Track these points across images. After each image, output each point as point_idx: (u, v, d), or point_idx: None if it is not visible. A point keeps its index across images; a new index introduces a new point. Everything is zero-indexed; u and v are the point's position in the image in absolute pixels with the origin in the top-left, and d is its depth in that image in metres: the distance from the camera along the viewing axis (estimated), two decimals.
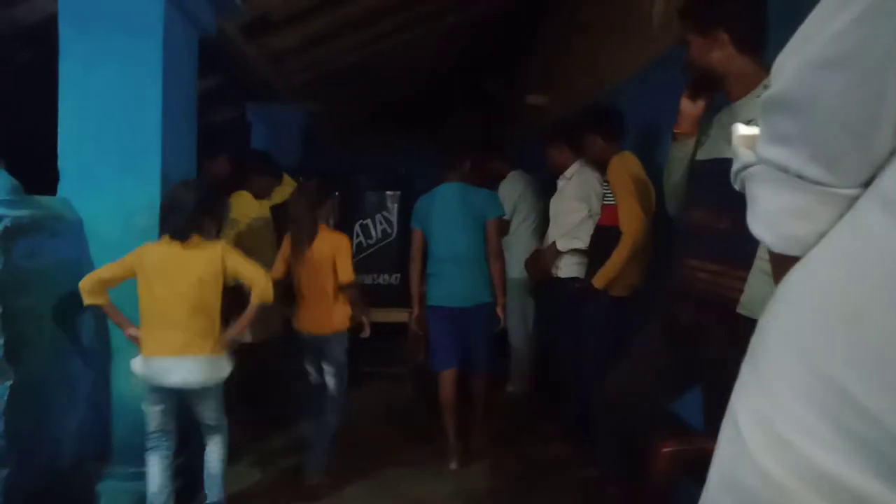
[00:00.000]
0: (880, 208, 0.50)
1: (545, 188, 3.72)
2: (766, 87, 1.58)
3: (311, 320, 2.69)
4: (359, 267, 3.64)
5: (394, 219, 4.33)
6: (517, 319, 3.89)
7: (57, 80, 2.37)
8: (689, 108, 1.75)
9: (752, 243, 1.45)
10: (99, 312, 2.38)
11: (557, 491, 2.76)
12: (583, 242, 3.03)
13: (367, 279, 3.94)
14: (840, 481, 0.48)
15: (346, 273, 2.67)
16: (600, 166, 2.92)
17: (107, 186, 2.39)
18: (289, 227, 2.73)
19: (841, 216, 0.55)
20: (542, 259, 3.25)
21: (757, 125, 1.51)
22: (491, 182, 3.81)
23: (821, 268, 0.56)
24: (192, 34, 2.70)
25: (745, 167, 0.63)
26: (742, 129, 0.66)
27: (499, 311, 3.06)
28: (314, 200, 2.69)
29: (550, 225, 3.33)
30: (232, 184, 3.33)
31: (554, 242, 3.15)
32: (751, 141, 0.63)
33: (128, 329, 2.19)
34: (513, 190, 3.91)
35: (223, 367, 2.22)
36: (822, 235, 0.56)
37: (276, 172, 3.51)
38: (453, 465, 2.97)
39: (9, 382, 1.92)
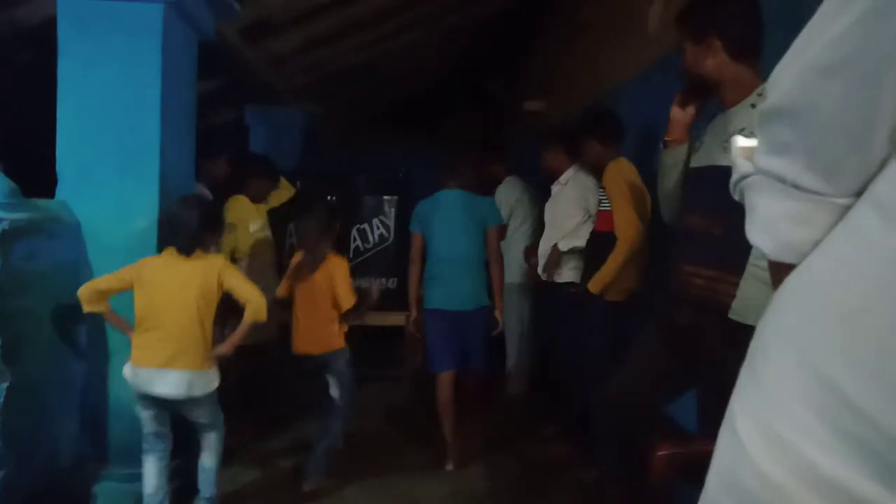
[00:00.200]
0: (874, 212, 0.51)
1: (541, 193, 3.73)
2: (760, 94, 1.60)
3: (311, 342, 2.73)
4: (356, 271, 3.66)
5: (391, 223, 4.32)
6: (514, 323, 3.90)
7: (56, 82, 2.37)
8: (679, 114, 1.76)
9: (747, 249, 1.47)
10: (96, 316, 2.38)
11: (556, 492, 2.77)
12: (582, 242, 3.05)
13: (364, 283, 3.94)
14: (838, 482, 0.49)
15: (348, 299, 2.70)
16: (597, 171, 2.93)
17: (106, 189, 2.40)
18: (299, 250, 2.78)
19: (836, 224, 0.56)
20: (548, 257, 3.24)
21: (751, 133, 1.55)
22: (487, 186, 3.82)
23: (817, 272, 0.57)
24: (192, 37, 2.71)
25: (744, 177, 0.65)
26: (741, 141, 0.68)
27: (497, 314, 3.10)
28: (325, 228, 2.75)
29: (546, 230, 3.34)
30: (229, 187, 3.34)
31: (556, 245, 3.16)
32: (749, 152, 0.65)
33: (128, 332, 2.22)
34: (509, 194, 3.92)
35: (210, 381, 2.23)
36: (818, 243, 0.58)
37: (273, 176, 3.51)
38: (449, 467, 2.99)
39: (6, 384, 1.93)
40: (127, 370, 2.17)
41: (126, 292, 2.19)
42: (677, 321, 1.70)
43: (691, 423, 1.88)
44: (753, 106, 1.52)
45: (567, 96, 4.49)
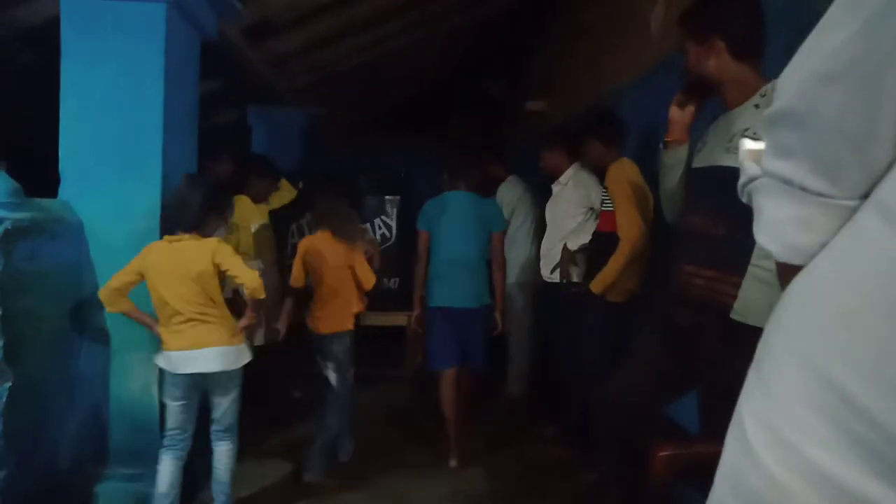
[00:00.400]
0: (877, 215, 0.52)
1: (541, 192, 3.73)
2: (763, 95, 1.60)
3: (324, 321, 2.83)
4: None
5: (393, 223, 4.33)
6: (516, 322, 3.90)
7: (58, 82, 2.38)
8: (679, 115, 1.76)
9: (748, 250, 1.47)
10: (98, 314, 2.39)
11: (556, 493, 2.77)
12: (588, 238, 3.07)
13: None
14: (841, 482, 0.49)
15: (369, 280, 2.88)
16: (599, 172, 2.93)
17: (108, 189, 2.40)
18: (336, 230, 2.84)
19: (842, 226, 0.57)
20: (561, 258, 3.25)
21: (754, 133, 1.54)
22: (488, 186, 3.82)
23: (821, 273, 0.58)
24: (194, 37, 2.72)
25: (751, 180, 0.66)
26: (748, 144, 0.69)
27: (497, 315, 3.15)
28: (343, 206, 2.91)
29: (548, 229, 3.34)
30: (231, 187, 3.34)
31: (565, 245, 3.16)
32: (757, 155, 0.66)
33: (154, 328, 2.24)
34: (511, 193, 3.93)
35: (242, 354, 2.27)
36: (824, 244, 0.58)
37: (273, 176, 3.52)
38: (453, 463, 3.02)
39: (8, 384, 1.93)
40: (160, 359, 2.20)
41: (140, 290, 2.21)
42: (677, 321, 1.69)
43: (692, 423, 1.87)
44: (756, 107, 1.51)
45: (568, 97, 4.48)
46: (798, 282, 0.61)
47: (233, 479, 2.38)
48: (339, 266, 2.82)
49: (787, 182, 0.60)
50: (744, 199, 0.70)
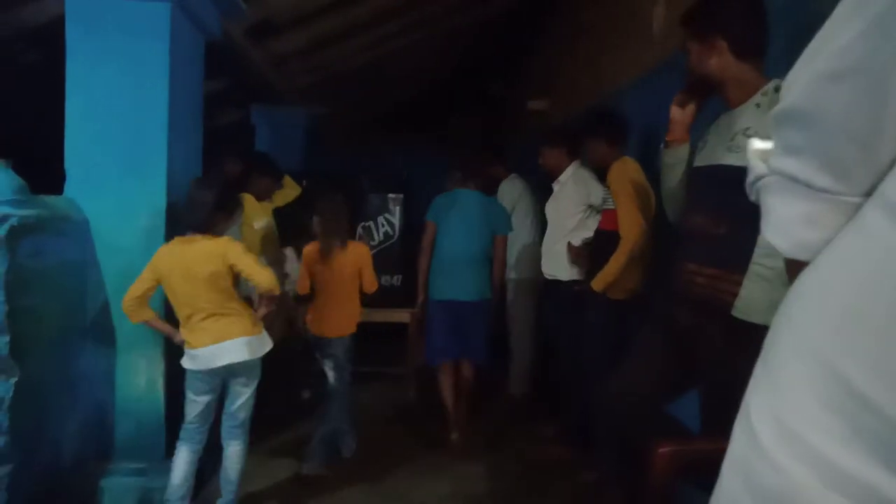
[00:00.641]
0: (881, 211, 0.53)
1: (541, 191, 3.75)
2: (764, 94, 1.61)
3: (328, 325, 2.88)
4: None
5: (396, 221, 4.34)
6: (517, 320, 3.91)
7: (64, 81, 2.39)
8: (679, 115, 1.77)
9: (749, 248, 1.47)
10: (102, 311, 2.41)
11: (556, 492, 2.77)
12: (591, 233, 3.10)
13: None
14: (848, 471, 0.50)
15: (372, 283, 2.94)
16: (602, 171, 2.94)
17: (113, 187, 2.41)
18: (320, 239, 2.89)
19: (847, 222, 0.58)
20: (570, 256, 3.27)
21: (755, 133, 1.54)
22: (488, 186, 3.84)
23: (826, 268, 0.59)
24: (198, 37, 2.73)
25: (759, 178, 0.67)
26: (756, 144, 0.71)
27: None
28: (346, 213, 2.94)
29: (549, 228, 3.35)
30: (236, 186, 3.35)
31: (569, 242, 3.18)
32: (764, 154, 0.68)
33: (175, 337, 2.27)
34: (512, 191, 3.95)
35: (265, 343, 2.31)
36: (830, 240, 0.60)
37: (276, 174, 3.53)
38: (454, 436, 3.19)
39: (14, 379, 1.94)
40: (186, 361, 2.22)
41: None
42: (679, 320, 1.70)
43: (693, 422, 1.88)
44: (758, 106, 1.52)
45: (569, 97, 4.49)
46: (804, 277, 0.62)
47: (241, 478, 2.39)
48: (342, 271, 2.86)
49: (794, 180, 0.61)
50: (752, 198, 0.71)
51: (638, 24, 3.14)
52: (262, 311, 2.35)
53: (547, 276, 3.32)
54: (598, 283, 2.64)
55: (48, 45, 2.83)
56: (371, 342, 3.53)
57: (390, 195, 4.34)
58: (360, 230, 4.26)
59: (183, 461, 2.25)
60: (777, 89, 1.50)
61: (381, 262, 4.20)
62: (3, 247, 1.88)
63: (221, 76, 3.98)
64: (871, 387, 0.50)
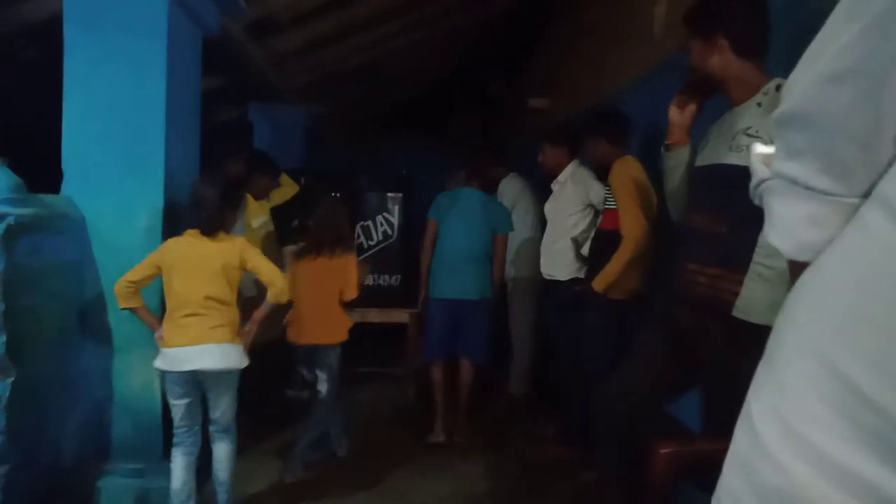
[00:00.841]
0: (880, 210, 0.54)
1: (540, 190, 3.75)
2: (765, 93, 1.60)
3: (312, 332, 2.82)
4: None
5: (395, 220, 4.33)
6: (518, 320, 3.90)
7: (61, 78, 2.38)
8: (678, 117, 1.77)
9: (750, 247, 1.47)
10: (100, 311, 2.40)
11: (556, 492, 2.77)
12: (590, 231, 3.12)
13: (368, 280, 3.95)
14: (848, 469, 0.51)
15: (352, 291, 2.84)
16: (603, 170, 2.93)
17: (110, 185, 2.40)
18: (311, 243, 2.87)
19: (847, 222, 0.59)
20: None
21: (756, 132, 1.55)
22: (488, 186, 3.84)
23: (828, 267, 0.59)
24: (197, 34, 2.72)
25: (762, 182, 0.68)
26: (759, 148, 0.72)
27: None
28: (343, 220, 2.92)
29: (548, 227, 3.35)
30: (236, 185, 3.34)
31: (572, 239, 3.17)
32: (767, 158, 0.69)
33: (157, 327, 2.24)
34: (512, 189, 3.95)
35: (240, 357, 2.26)
36: (831, 240, 0.60)
37: (274, 172, 3.52)
38: (441, 439, 3.21)
39: (10, 379, 1.93)
40: (159, 361, 2.20)
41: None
42: (680, 320, 1.69)
43: (693, 422, 1.87)
44: (759, 105, 1.52)
45: (570, 97, 4.48)
46: (806, 277, 0.62)
47: (232, 478, 2.38)
48: (328, 277, 2.81)
49: (795, 182, 0.62)
50: (756, 202, 0.72)
51: (639, 24, 3.14)
52: (263, 311, 2.32)
53: (545, 276, 3.32)
54: (599, 284, 2.63)
55: (47, 42, 2.82)
56: (370, 342, 3.52)
57: (389, 194, 4.33)
58: (358, 229, 4.25)
59: (179, 466, 2.25)
60: (778, 88, 1.49)
61: (380, 261, 4.20)
62: (1, 245, 1.87)
63: (220, 73, 3.97)
64: (872, 386, 0.50)
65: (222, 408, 2.29)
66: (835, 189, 0.59)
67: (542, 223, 3.59)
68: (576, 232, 3.16)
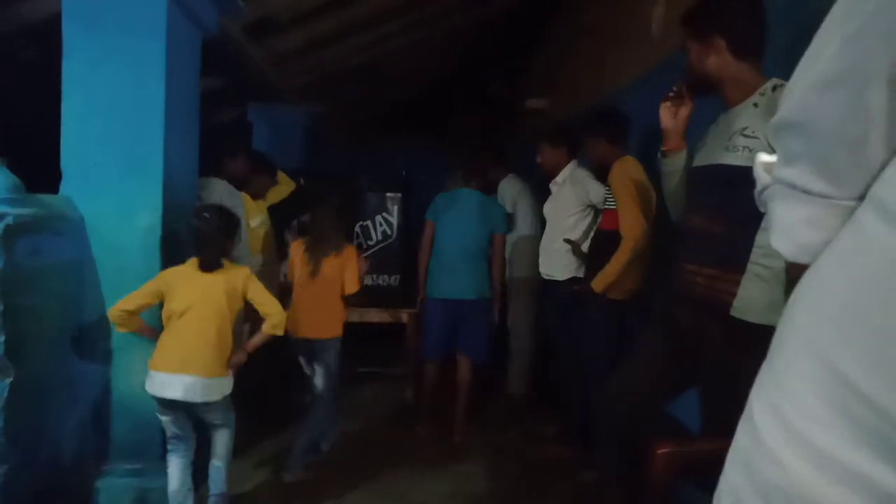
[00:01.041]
0: (873, 212, 0.56)
1: (539, 191, 3.75)
2: (762, 93, 1.61)
3: (311, 326, 2.83)
4: None
5: (394, 220, 4.33)
6: (517, 319, 3.90)
7: (60, 78, 2.38)
8: (672, 123, 1.77)
9: (748, 247, 1.47)
10: (99, 311, 2.39)
11: (556, 492, 2.77)
12: (590, 231, 3.12)
13: (367, 280, 3.95)
14: (846, 465, 0.52)
15: (353, 285, 2.88)
16: (603, 170, 2.93)
17: (109, 185, 2.40)
18: (311, 238, 2.90)
19: (844, 224, 0.61)
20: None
21: (753, 132, 1.57)
22: (488, 187, 3.84)
23: (825, 268, 0.61)
24: (196, 34, 2.71)
25: (765, 188, 0.72)
26: (763, 157, 0.76)
27: (495, 308, 3.38)
28: (342, 217, 2.95)
29: (547, 227, 3.35)
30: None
31: (573, 241, 3.17)
32: (769, 166, 0.72)
33: (153, 337, 2.27)
34: (512, 189, 3.95)
35: (224, 386, 2.27)
36: (828, 242, 0.62)
37: (270, 171, 3.52)
38: (421, 431, 3.30)
39: (9, 380, 1.93)
40: (147, 381, 2.21)
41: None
42: (679, 320, 1.69)
43: (693, 422, 1.87)
44: (756, 105, 1.52)
45: (569, 98, 4.48)
46: (805, 279, 0.64)
47: (229, 463, 2.39)
48: (330, 273, 2.84)
49: (793, 186, 0.65)
50: (761, 208, 0.75)
51: (639, 24, 3.14)
52: (256, 342, 2.34)
53: (544, 277, 3.32)
54: (598, 284, 2.63)
55: (46, 42, 2.82)
56: (369, 342, 3.51)
57: (388, 194, 4.33)
58: (357, 229, 4.24)
59: (176, 468, 2.27)
60: (775, 88, 1.50)
61: (379, 261, 4.19)
62: (0, 246, 1.87)
63: (219, 74, 3.97)
64: (870, 384, 0.51)
65: (213, 418, 2.31)
66: (829, 192, 0.61)
67: (541, 223, 3.59)
68: (575, 233, 3.15)
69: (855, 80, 0.57)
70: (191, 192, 2.75)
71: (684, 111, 1.75)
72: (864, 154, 0.58)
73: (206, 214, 2.28)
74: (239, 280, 2.26)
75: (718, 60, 1.58)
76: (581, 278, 3.00)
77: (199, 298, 2.19)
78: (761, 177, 0.73)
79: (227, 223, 2.33)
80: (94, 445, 2.44)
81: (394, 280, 4.30)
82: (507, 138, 6.23)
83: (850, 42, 0.57)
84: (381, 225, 4.31)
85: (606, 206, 2.83)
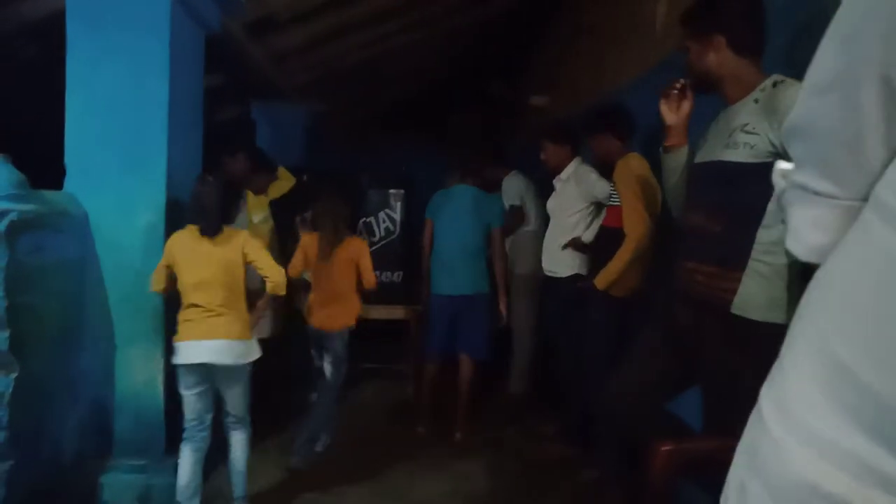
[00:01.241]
0: (875, 212, 0.58)
1: (542, 188, 3.75)
2: (762, 90, 1.61)
3: (319, 317, 2.94)
4: None
5: (397, 217, 4.34)
6: (519, 317, 3.90)
7: (64, 76, 2.38)
8: (673, 119, 1.77)
9: (748, 245, 1.48)
10: (102, 308, 2.40)
11: (557, 491, 2.77)
12: (596, 228, 3.11)
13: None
14: (847, 450, 0.54)
15: (371, 279, 2.97)
16: (608, 167, 2.93)
17: (112, 182, 2.41)
18: (319, 231, 2.97)
19: (851, 224, 0.63)
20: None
21: (753, 129, 1.59)
22: (489, 186, 3.84)
23: (830, 264, 0.64)
24: (198, 32, 2.72)
25: (783, 193, 0.75)
26: (781, 164, 0.79)
27: (501, 307, 3.34)
28: (343, 208, 3.00)
29: (550, 224, 3.35)
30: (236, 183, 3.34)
31: (579, 238, 3.17)
32: (786, 173, 0.75)
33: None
34: (516, 185, 3.95)
35: (251, 350, 2.30)
36: (836, 243, 0.64)
37: (270, 167, 3.53)
38: (421, 430, 3.31)
39: (13, 375, 1.94)
40: (174, 355, 2.23)
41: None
42: (680, 318, 1.70)
43: (694, 420, 1.88)
44: (756, 101, 1.52)
45: (570, 97, 4.48)
46: (815, 277, 0.67)
47: (248, 467, 2.41)
48: (339, 266, 2.90)
49: (803, 188, 0.67)
50: (781, 213, 0.80)
51: (639, 23, 3.13)
52: (262, 305, 2.37)
53: (547, 273, 3.32)
54: (601, 281, 2.63)
55: (48, 40, 2.83)
56: (371, 339, 3.51)
57: (391, 190, 4.33)
58: (360, 226, 4.25)
59: (187, 461, 2.26)
60: (775, 85, 1.50)
61: (382, 258, 4.20)
62: (3, 242, 1.88)
63: (221, 72, 3.97)
64: (868, 372, 0.53)
65: (234, 400, 2.32)
66: (835, 192, 0.64)
67: (544, 220, 3.59)
68: (578, 231, 3.15)
69: (848, 82, 0.59)
70: None
71: (686, 106, 1.76)
72: (864, 154, 0.60)
73: (209, 178, 2.29)
74: (238, 244, 2.27)
75: (718, 57, 1.59)
76: (583, 275, 3.01)
77: (207, 269, 2.21)
78: (778, 183, 0.77)
79: (229, 193, 2.34)
80: (97, 441, 2.44)
81: (396, 277, 4.31)
82: (507, 136, 6.23)
83: (843, 45, 0.59)
84: (384, 221, 4.32)
85: (611, 203, 2.83)
